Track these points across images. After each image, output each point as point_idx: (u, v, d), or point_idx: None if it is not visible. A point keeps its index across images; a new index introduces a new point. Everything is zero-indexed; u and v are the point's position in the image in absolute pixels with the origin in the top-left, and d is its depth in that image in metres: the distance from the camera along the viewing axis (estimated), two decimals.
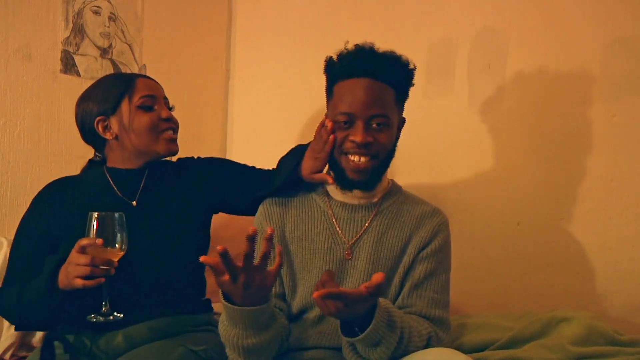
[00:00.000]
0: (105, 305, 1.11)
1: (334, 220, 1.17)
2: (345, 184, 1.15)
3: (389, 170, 1.22)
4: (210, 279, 1.16)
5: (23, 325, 1.26)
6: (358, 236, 1.15)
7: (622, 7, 1.47)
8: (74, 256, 1.06)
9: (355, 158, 1.11)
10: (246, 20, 2.36)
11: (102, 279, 1.07)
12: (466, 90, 1.73)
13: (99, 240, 1.05)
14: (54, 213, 1.26)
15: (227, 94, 2.41)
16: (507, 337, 1.26)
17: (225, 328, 1.02)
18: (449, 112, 1.76)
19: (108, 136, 1.27)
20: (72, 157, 1.85)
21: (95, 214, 1.07)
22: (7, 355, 1.50)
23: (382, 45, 1.11)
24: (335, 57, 1.16)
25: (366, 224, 1.16)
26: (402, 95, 1.17)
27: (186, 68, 2.23)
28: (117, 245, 1.08)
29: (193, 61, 2.26)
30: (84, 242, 1.06)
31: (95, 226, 1.07)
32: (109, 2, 1.96)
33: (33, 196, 1.32)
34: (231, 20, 2.39)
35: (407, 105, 1.87)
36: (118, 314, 1.12)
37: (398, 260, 1.14)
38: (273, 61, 2.28)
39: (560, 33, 1.56)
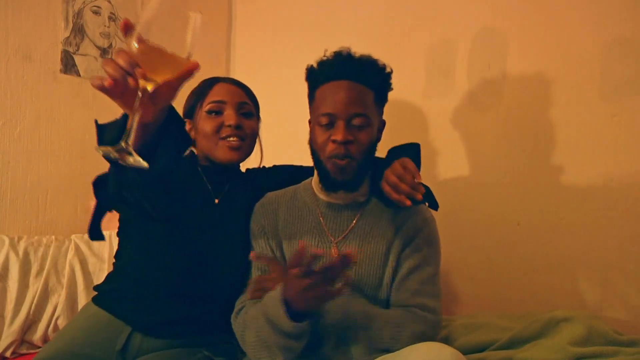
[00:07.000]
0: (126, 141, 0.80)
1: (321, 219, 1.20)
2: (329, 185, 1.17)
3: None
4: None
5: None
6: (344, 235, 1.18)
7: (622, 7, 1.46)
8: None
9: (338, 160, 1.13)
10: (246, 20, 2.36)
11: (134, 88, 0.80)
12: (466, 90, 1.73)
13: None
14: None
15: None
16: (506, 337, 1.26)
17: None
18: (449, 112, 1.76)
19: (192, 136, 1.32)
20: (72, 157, 1.85)
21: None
22: (9, 353, 1.50)
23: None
24: (315, 65, 1.19)
25: (352, 223, 1.19)
26: (381, 98, 1.19)
27: None
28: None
29: None
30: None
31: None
32: (109, 2, 1.96)
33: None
34: (231, 20, 2.39)
35: (408, 105, 1.88)
36: (142, 161, 0.81)
37: (385, 258, 1.16)
38: (273, 61, 2.28)
39: (560, 33, 1.56)
